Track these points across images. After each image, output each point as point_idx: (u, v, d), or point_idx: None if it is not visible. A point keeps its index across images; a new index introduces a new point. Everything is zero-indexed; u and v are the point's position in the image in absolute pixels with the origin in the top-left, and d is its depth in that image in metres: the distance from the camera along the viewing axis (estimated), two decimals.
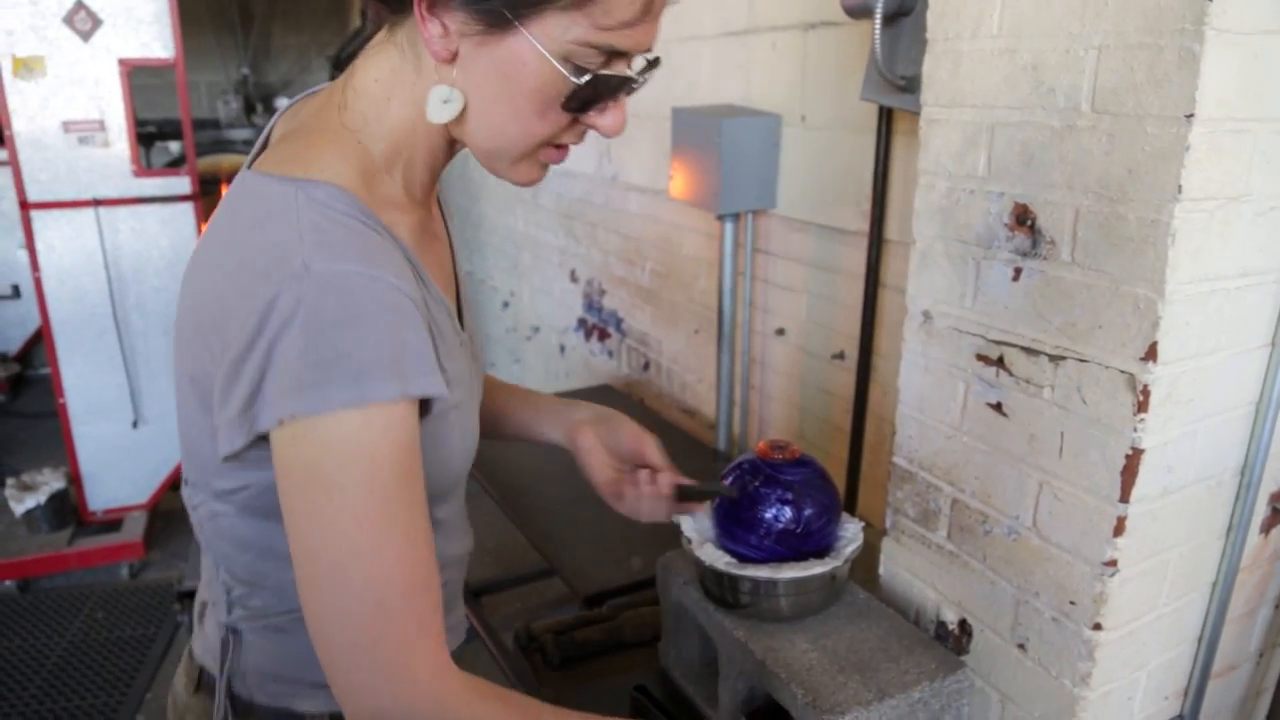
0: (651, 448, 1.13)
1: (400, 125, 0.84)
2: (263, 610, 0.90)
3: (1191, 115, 0.93)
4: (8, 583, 3.34)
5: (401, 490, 0.74)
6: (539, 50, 0.76)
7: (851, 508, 2.08)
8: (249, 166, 0.83)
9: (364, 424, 0.71)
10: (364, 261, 0.73)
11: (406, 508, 0.75)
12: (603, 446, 1.13)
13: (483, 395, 1.09)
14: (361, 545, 0.73)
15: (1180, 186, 0.95)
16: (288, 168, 0.78)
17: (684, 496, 1.15)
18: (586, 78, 0.78)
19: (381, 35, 0.84)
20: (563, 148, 0.86)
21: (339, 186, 0.77)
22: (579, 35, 0.76)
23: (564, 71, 0.77)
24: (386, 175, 0.85)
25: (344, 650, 0.74)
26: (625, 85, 0.81)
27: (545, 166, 0.87)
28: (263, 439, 0.75)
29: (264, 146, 0.88)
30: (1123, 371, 1.04)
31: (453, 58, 0.78)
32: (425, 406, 0.80)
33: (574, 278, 3.63)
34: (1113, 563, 1.10)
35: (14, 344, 5.43)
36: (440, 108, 0.80)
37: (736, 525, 1.28)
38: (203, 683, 0.97)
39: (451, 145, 0.88)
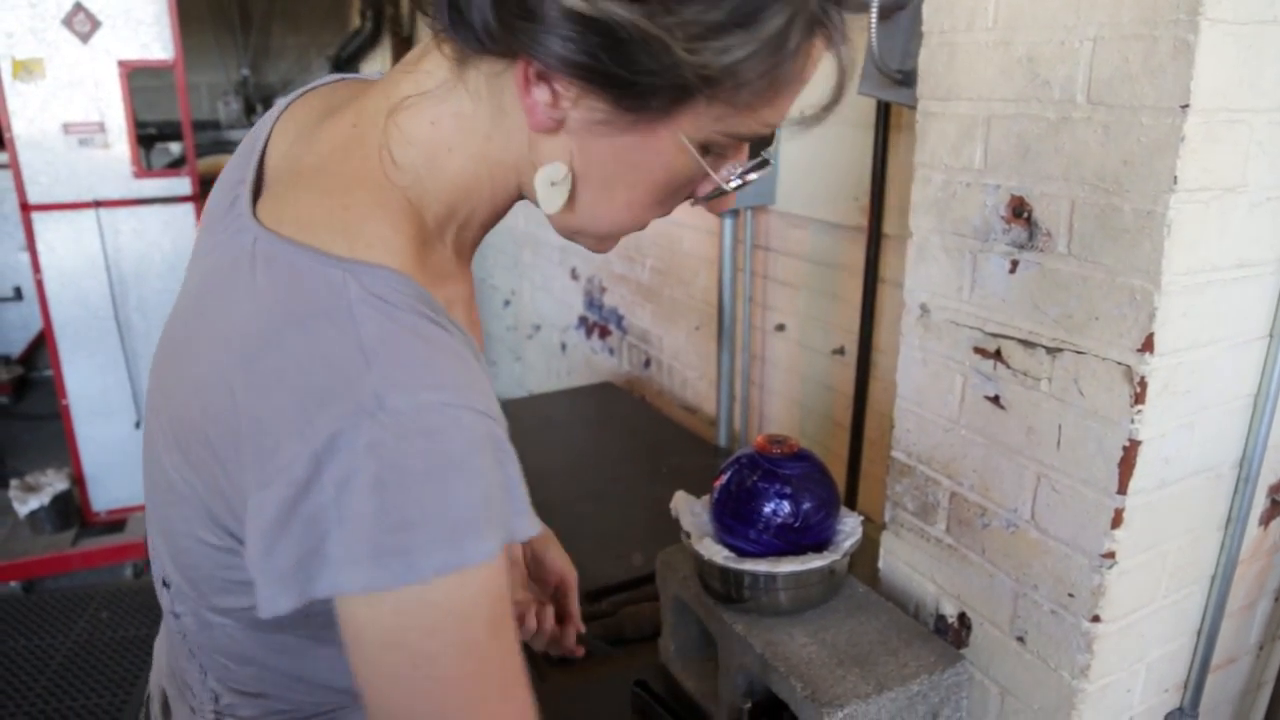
0: (571, 586, 1.14)
1: (461, 181, 0.69)
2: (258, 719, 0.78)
3: (1186, 106, 0.93)
4: (12, 584, 3.36)
5: (496, 643, 0.62)
6: (683, 143, 0.64)
7: (852, 503, 2.08)
8: (252, 211, 0.66)
9: (458, 587, 0.58)
10: (448, 387, 0.59)
11: (500, 661, 0.63)
12: (525, 564, 1.14)
13: None
14: (453, 712, 0.61)
15: (1176, 177, 0.95)
16: (326, 239, 0.61)
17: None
18: (736, 182, 0.68)
19: (443, 71, 0.67)
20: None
21: (396, 271, 0.61)
22: (731, 126, 0.64)
23: (710, 171, 0.66)
24: (439, 241, 0.71)
25: None
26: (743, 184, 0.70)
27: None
28: None
29: (260, 167, 0.73)
30: (1119, 363, 1.04)
31: (557, 128, 0.65)
32: None
33: (574, 275, 3.63)
34: (1111, 555, 1.10)
35: (17, 346, 5.44)
36: (550, 191, 0.67)
37: (735, 519, 1.28)
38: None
39: (515, 199, 0.74)
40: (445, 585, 0.57)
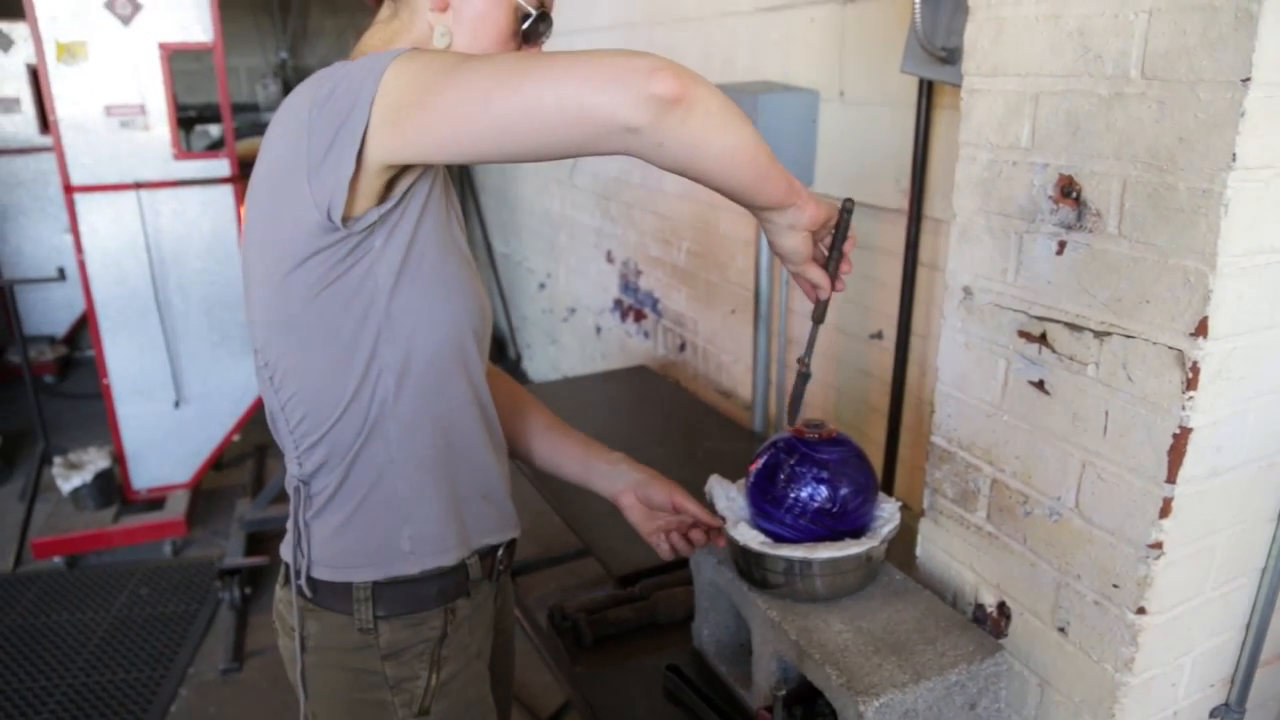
0: (680, 495, 1.31)
1: None
2: (325, 458, 1.07)
3: (1248, 79, 0.89)
4: (56, 559, 3.42)
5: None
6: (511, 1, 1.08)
7: (889, 489, 2.05)
8: None
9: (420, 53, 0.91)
10: None
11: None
12: (640, 504, 1.32)
13: (543, 436, 1.37)
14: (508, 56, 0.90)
15: (1234, 155, 0.91)
16: None
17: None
18: (534, 16, 1.09)
19: (384, 14, 1.10)
20: None
21: None
22: None
23: (528, 8, 1.08)
24: None
25: (574, 86, 0.83)
26: (549, 24, 1.11)
27: None
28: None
29: None
30: (1171, 348, 1.01)
31: (445, 7, 1.05)
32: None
33: (610, 258, 3.62)
34: (1158, 545, 1.06)
35: (61, 327, 5.54)
36: (440, 40, 1.06)
37: (771, 504, 1.27)
38: (287, 576, 1.16)
39: None
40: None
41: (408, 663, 1.13)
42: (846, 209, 1.07)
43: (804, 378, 1.17)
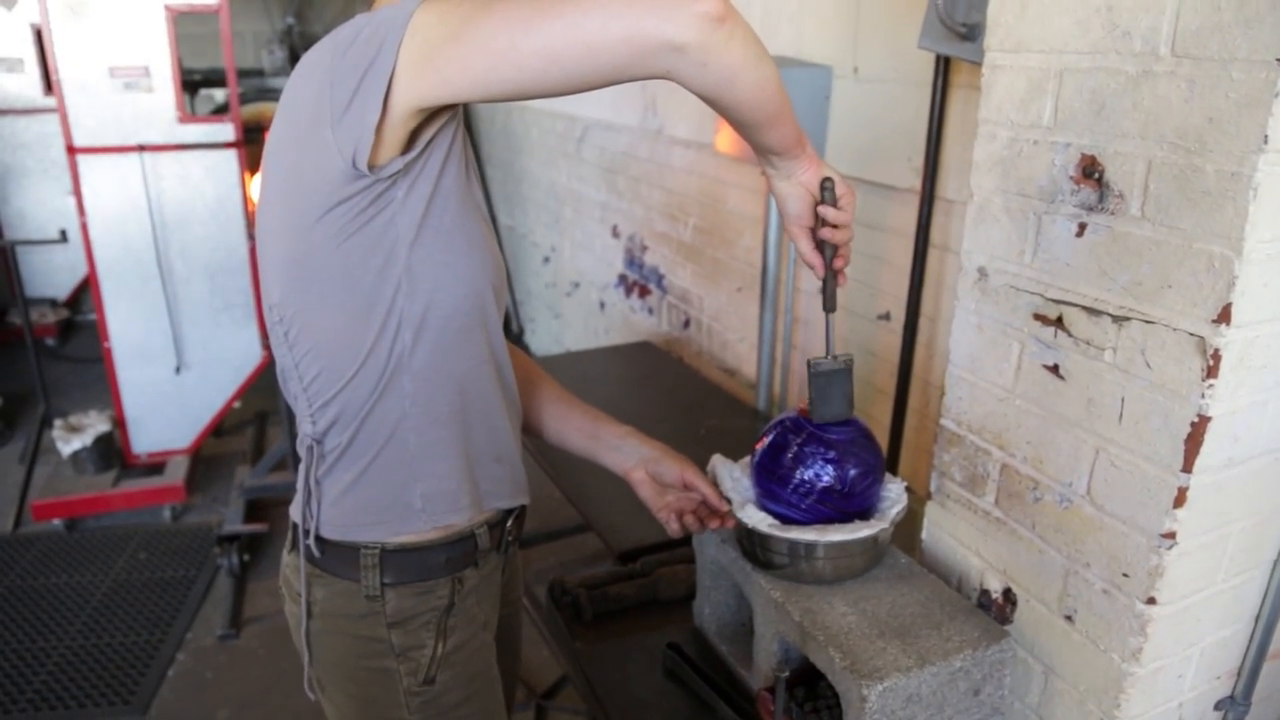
0: (691, 472, 1.30)
1: None
2: (339, 414, 1.07)
3: None
4: (55, 521, 3.42)
5: None
6: None
7: (892, 472, 2.04)
8: None
9: None
10: None
11: None
12: (652, 481, 1.31)
13: (552, 408, 1.35)
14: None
15: (1266, 137, 0.89)
16: None
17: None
18: None
19: None
20: None
21: None
22: None
23: None
24: None
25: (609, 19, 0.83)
26: None
27: None
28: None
29: None
30: (1192, 334, 0.99)
31: None
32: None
33: (615, 233, 3.59)
34: (1171, 535, 1.05)
35: (63, 290, 5.52)
36: None
37: (778, 484, 1.25)
38: (295, 541, 1.15)
39: None
40: None
41: (414, 631, 1.12)
42: (825, 186, 1.09)
43: (848, 368, 1.22)
